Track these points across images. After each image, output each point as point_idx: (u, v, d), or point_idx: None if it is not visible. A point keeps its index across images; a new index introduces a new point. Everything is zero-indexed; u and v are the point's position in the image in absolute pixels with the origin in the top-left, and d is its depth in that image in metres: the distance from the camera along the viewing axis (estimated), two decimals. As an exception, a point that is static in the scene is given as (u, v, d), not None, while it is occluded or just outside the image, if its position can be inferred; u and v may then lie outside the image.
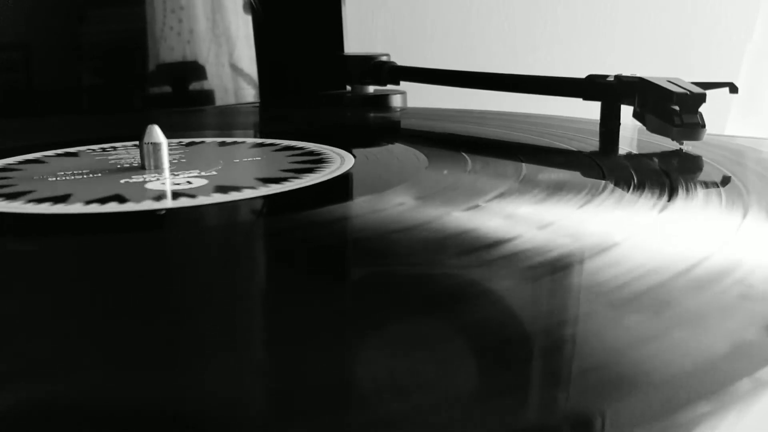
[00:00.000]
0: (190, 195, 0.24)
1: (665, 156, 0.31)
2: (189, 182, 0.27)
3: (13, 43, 0.51)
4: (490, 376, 0.12)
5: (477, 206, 0.22)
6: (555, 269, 0.17)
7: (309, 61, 0.59)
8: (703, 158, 0.30)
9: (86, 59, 0.54)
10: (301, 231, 0.21)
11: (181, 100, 0.57)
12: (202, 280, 0.18)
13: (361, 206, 0.23)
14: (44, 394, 0.11)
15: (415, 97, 0.54)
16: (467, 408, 0.11)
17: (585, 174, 0.27)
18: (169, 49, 0.55)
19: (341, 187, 0.26)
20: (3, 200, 0.25)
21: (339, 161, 0.29)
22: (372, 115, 0.49)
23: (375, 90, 0.53)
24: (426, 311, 0.15)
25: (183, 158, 0.31)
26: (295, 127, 0.41)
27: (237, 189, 0.25)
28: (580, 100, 0.38)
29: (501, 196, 0.23)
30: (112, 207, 0.23)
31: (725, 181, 0.25)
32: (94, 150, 0.34)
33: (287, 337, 0.14)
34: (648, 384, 0.11)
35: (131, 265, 0.19)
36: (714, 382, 0.11)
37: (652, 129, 0.32)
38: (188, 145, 0.35)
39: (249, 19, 0.58)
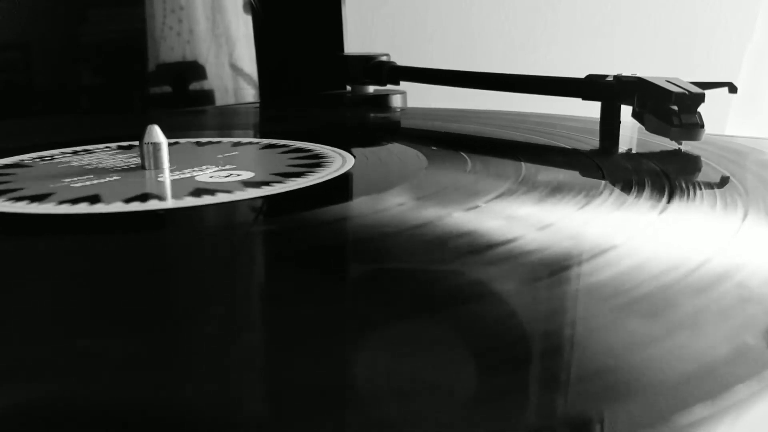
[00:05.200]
0: (274, 182, 0.26)
1: (664, 156, 0.31)
2: (238, 174, 0.27)
3: (13, 43, 0.51)
4: (487, 379, 0.12)
5: (477, 207, 0.22)
6: (554, 271, 0.17)
7: (309, 61, 0.59)
8: (703, 158, 0.30)
9: (86, 59, 0.54)
10: (302, 231, 0.21)
11: (181, 100, 0.57)
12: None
13: (362, 206, 0.23)
14: (45, 394, 0.11)
15: (415, 97, 0.54)
16: (465, 411, 0.11)
17: (584, 174, 0.27)
18: (169, 49, 0.55)
19: (342, 187, 0.26)
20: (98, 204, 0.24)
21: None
22: (372, 115, 0.49)
23: (375, 90, 0.53)
24: (425, 312, 0.15)
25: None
26: (295, 127, 0.41)
27: (291, 177, 0.27)
28: (579, 100, 0.38)
29: (500, 196, 0.23)
30: (222, 197, 0.24)
31: (724, 181, 0.25)
32: (42, 159, 0.32)
33: (287, 338, 0.14)
34: (647, 387, 0.11)
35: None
36: (713, 386, 0.11)
37: (651, 129, 0.32)
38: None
39: (249, 19, 0.59)
